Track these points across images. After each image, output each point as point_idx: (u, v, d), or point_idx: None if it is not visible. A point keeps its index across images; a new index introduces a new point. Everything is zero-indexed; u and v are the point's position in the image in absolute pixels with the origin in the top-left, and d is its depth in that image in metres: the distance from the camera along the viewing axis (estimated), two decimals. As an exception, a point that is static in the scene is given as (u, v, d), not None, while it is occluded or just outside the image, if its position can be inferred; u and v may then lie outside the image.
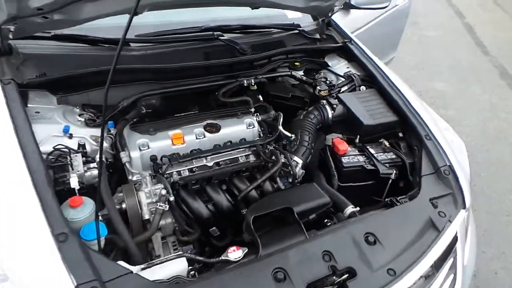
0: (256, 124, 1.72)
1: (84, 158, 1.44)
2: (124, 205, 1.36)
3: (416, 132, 1.70)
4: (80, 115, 1.62)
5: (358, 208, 1.45)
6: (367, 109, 1.82)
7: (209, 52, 1.90)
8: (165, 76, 1.81)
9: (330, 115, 1.82)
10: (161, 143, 1.55)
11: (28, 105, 1.55)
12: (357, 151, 1.72)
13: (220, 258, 1.17)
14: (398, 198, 1.47)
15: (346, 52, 2.19)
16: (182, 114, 1.73)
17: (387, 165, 1.65)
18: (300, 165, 1.59)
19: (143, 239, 1.33)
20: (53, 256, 1.03)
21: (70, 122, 1.55)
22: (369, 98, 1.89)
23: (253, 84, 1.91)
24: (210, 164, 1.54)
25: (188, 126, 1.62)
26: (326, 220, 1.40)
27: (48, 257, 1.04)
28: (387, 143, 1.75)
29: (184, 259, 1.17)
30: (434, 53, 5.27)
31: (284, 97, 1.97)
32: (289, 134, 1.67)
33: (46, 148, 1.41)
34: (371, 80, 2.02)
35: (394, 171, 1.62)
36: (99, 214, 1.31)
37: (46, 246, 1.05)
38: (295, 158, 1.60)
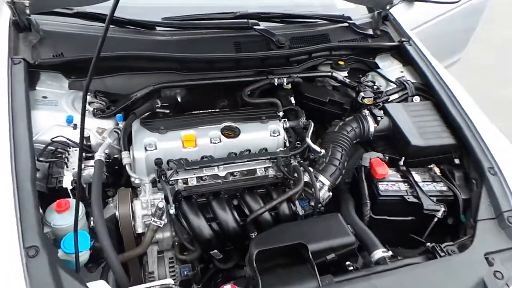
0: (282, 132, 1.50)
1: (84, 154, 1.31)
2: (117, 213, 1.21)
3: (478, 162, 1.38)
4: (90, 103, 1.49)
5: (390, 253, 1.19)
6: (418, 126, 1.53)
7: (241, 43, 1.69)
8: (189, 67, 1.64)
9: (371, 129, 1.54)
10: (171, 144, 1.38)
11: (37, 88, 1.45)
12: (399, 176, 1.44)
13: (211, 297, 0.99)
14: (443, 246, 1.19)
15: (402, 54, 1.89)
16: (201, 111, 1.55)
17: (434, 198, 1.36)
18: (326, 187, 1.35)
19: (133, 256, 1.18)
20: (17, 273, 0.90)
21: (77, 111, 1.43)
22: (422, 113, 1.60)
23: (286, 83, 1.67)
24: (222, 174, 1.35)
25: (203, 127, 1.44)
26: (347, 263, 1.16)
27: (11, 274, 0.91)
28: (437, 171, 1.46)
29: (171, 289, 1.00)
30: (508, 57, 4.62)
31: (320, 100, 1.72)
32: (318, 149, 1.42)
33: (45, 138, 1.31)
34: (428, 90, 1.71)
35: (442, 208, 1.33)
36: (90, 219, 1.19)
37: (11, 260, 0.92)
38: (322, 178, 1.35)
